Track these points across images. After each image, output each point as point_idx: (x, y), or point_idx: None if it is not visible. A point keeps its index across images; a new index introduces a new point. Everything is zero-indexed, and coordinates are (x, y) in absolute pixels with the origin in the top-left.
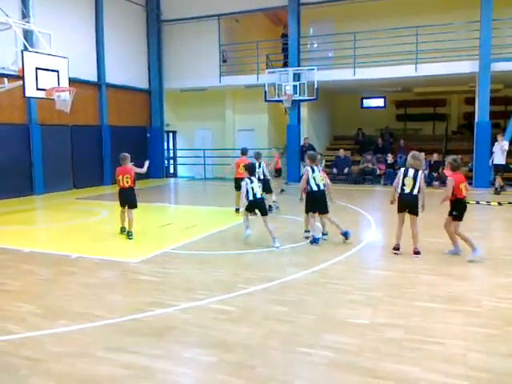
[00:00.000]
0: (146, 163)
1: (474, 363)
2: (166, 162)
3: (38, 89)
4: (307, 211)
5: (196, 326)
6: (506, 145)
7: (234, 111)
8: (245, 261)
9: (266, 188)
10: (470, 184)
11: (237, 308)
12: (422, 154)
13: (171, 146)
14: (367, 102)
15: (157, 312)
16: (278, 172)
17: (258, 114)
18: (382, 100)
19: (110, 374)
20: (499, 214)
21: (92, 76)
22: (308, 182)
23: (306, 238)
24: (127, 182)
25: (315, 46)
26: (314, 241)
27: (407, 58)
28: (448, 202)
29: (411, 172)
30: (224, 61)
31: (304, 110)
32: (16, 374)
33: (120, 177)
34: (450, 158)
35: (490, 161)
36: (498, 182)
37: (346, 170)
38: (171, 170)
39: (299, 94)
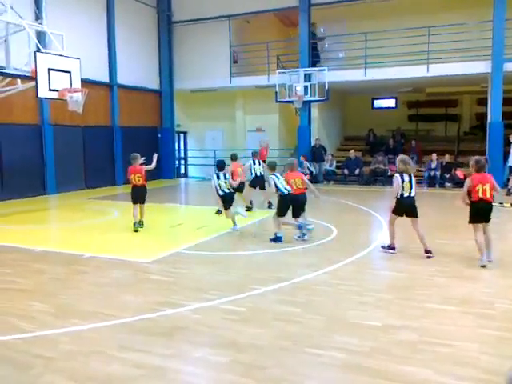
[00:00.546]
0: (155, 157)
1: (486, 366)
2: (176, 162)
3: (50, 89)
4: (280, 215)
5: (207, 326)
6: None
7: (245, 112)
8: (256, 261)
9: (263, 185)
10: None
11: (247, 309)
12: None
13: (182, 147)
14: (378, 103)
15: (168, 312)
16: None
17: (268, 115)
18: (394, 100)
19: (121, 372)
20: None
21: (104, 77)
22: (279, 189)
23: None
24: (139, 180)
25: (326, 46)
26: (277, 239)
27: (419, 59)
28: (465, 204)
29: (406, 178)
30: (235, 61)
31: (315, 111)
32: (29, 372)
33: (132, 176)
34: (473, 159)
35: (509, 162)
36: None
37: (357, 171)
38: (182, 171)
39: (310, 95)
